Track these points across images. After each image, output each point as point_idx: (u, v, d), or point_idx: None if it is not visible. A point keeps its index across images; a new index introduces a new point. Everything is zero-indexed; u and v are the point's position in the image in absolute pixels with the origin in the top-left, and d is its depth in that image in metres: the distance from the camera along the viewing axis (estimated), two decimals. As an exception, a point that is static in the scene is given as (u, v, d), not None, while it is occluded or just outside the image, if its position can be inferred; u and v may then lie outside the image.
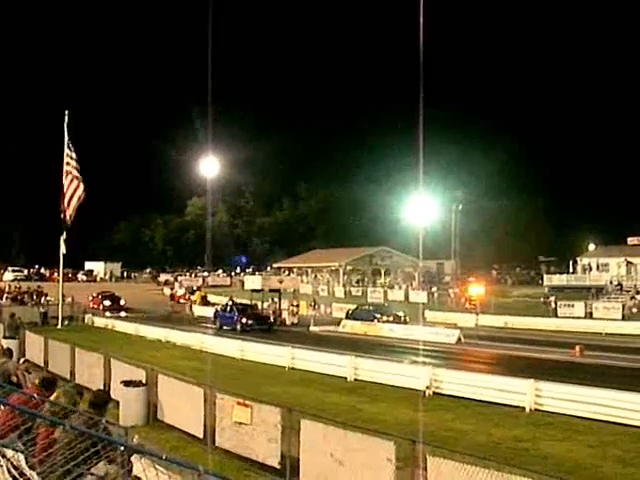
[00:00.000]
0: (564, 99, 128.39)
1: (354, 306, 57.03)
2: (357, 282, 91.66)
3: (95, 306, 62.98)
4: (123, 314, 58.71)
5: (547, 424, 19.42)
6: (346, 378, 26.93)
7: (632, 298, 57.49)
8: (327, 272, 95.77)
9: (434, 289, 75.73)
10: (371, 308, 55.74)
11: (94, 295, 66.46)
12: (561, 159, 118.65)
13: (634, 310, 53.89)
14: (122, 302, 64.87)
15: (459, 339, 41.08)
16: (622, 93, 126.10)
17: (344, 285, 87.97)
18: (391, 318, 50.97)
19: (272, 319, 52.12)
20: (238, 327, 48.42)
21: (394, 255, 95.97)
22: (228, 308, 52.18)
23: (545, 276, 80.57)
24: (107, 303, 63.70)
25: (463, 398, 22.62)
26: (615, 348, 36.76)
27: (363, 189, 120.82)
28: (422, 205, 76.16)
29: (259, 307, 55.27)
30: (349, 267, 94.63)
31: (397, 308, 55.33)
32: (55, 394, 9.72)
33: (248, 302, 55.28)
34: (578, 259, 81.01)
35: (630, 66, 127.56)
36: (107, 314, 56.91)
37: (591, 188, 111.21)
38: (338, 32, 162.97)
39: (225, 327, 49.51)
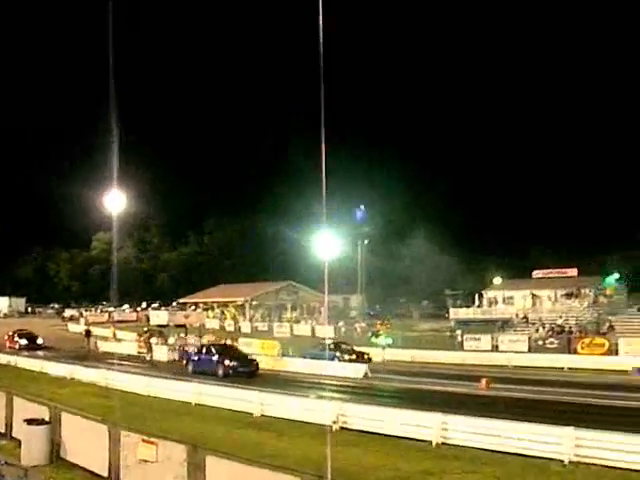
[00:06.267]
0: (470, 137, 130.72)
1: (260, 341, 56.03)
2: (262, 317, 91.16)
3: (11, 345, 60.16)
4: (41, 353, 55.95)
5: (454, 457, 19.40)
6: (252, 414, 26.57)
7: (537, 330, 58.54)
8: (233, 307, 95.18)
9: (340, 323, 75.76)
10: (332, 346, 50.22)
11: (9, 334, 62.88)
12: (468, 194, 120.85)
13: (539, 342, 54.72)
14: (40, 341, 61.74)
15: (366, 373, 41.08)
16: (528, 130, 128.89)
17: (250, 320, 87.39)
18: (354, 357, 47.50)
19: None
20: (220, 372, 40.95)
21: (300, 290, 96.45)
22: (204, 349, 45.11)
23: (451, 310, 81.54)
24: (24, 342, 60.45)
25: (370, 432, 22.50)
26: (521, 380, 37.26)
27: (270, 223, 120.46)
28: (327, 240, 76.48)
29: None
30: (255, 302, 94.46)
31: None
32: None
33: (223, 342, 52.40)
34: (484, 292, 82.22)
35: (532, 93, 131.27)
36: (24, 353, 53.61)
37: (497, 222, 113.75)
38: (241, 59, 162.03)
39: (199, 373, 40.88)
